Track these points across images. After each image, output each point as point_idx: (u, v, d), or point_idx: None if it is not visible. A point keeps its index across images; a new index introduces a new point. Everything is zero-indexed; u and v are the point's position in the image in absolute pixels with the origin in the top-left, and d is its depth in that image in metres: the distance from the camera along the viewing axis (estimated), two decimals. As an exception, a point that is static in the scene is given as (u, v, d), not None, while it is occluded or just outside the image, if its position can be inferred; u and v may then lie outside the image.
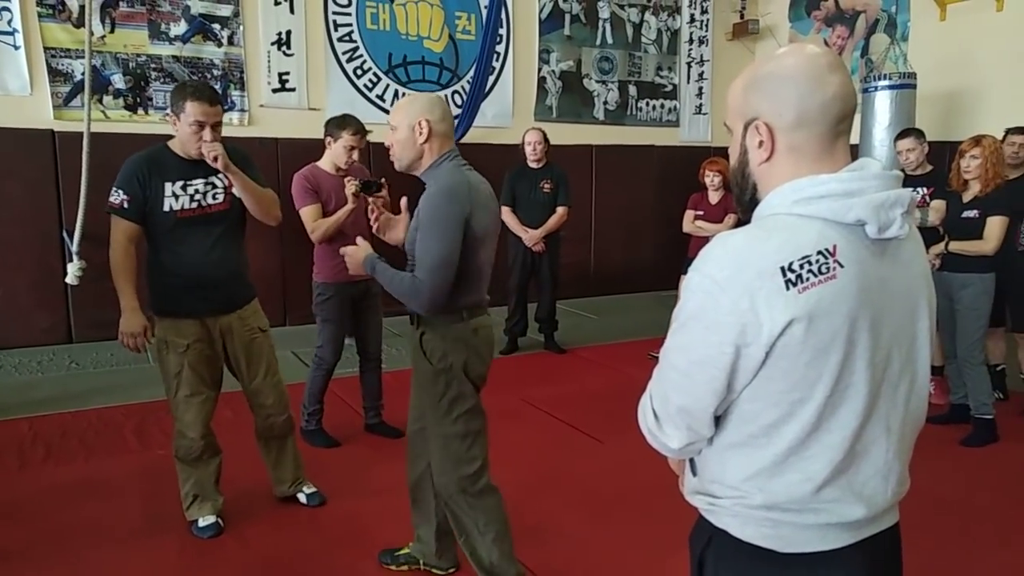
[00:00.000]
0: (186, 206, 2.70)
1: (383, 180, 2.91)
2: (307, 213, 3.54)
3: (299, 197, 3.54)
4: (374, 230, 2.47)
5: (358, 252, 2.31)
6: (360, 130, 3.59)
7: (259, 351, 2.91)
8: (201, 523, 2.83)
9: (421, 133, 2.16)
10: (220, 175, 2.75)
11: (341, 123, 3.58)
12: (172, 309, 2.75)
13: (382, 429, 3.89)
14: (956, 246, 3.75)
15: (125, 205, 2.66)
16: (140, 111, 5.96)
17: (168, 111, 2.72)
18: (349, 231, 3.44)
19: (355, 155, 3.61)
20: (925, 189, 4.14)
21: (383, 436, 3.84)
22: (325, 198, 3.56)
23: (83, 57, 5.41)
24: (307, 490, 3.08)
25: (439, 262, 2.09)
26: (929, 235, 3.81)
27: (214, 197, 2.75)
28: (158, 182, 2.67)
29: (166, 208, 2.67)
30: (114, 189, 2.68)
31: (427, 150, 2.19)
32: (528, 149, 5.28)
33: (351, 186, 3.37)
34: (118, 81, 5.87)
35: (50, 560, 2.64)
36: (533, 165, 5.33)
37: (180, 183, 2.69)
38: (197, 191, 2.72)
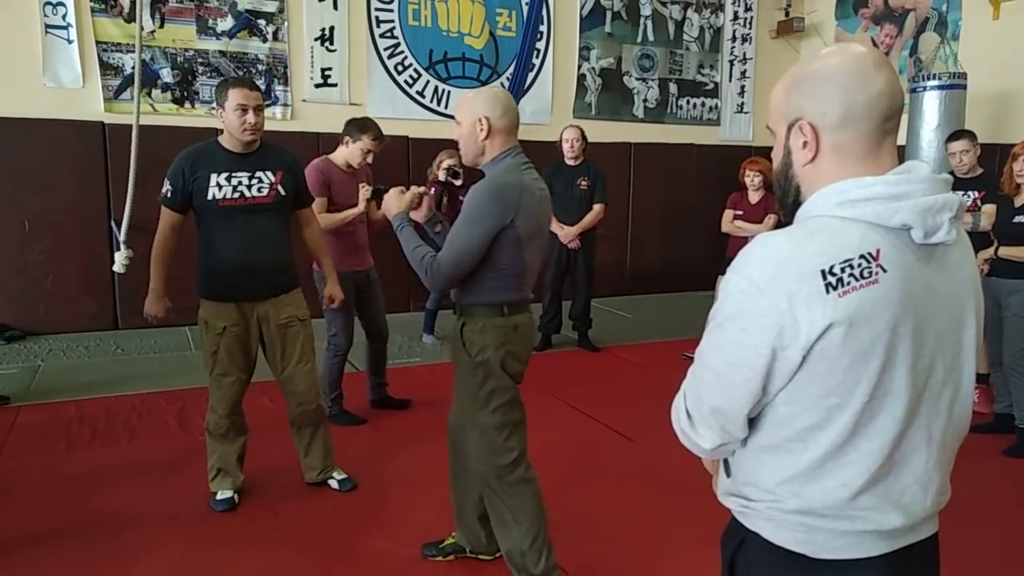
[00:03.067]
0: (228, 196, 2.83)
1: (387, 187, 3.04)
2: (314, 205, 3.58)
3: (311, 188, 3.60)
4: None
5: (397, 202, 2.32)
6: (379, 136, 3.77)
7: (294, 339, 3.00)
8: (219, 496, 2.98)
9: (482, 129, 2.18)
10: (267, 171, 2.89)
11: (363, 127, 3.74)
12: (212, 292, 2.90)
13: (389, 402, 4.12)
14: (1006, 251, 3.66)
15: (168, 195, 2.85)
16: (187, 104, 6.10)
17: (213, 106, 2.87)
18: (354, 225, 3.79)
19: (369, 158, 3.78)
20: (976, 193, 4.04)
21: (391, 409, 4.08)
22: (334, 192, 3.71)
23: (133, 51, 5.57)
24: (338, 476, 3.16)
25: (461, 253, 2.14)
26: (979, 240, 3.71)
27: (259, 190, 2.87)
28: (204, 173, 2.81)
29: (210, 197, 2.81)
30: (165, 181, 2.86)
31: (488, 146, 2.22)
32: (566, 146, 5.28)
33: (365, 192, 3.65)
34: (166, 75, 6.01)
35: (94, 540, 2.72)
36: (570, 162, 5.33)
37: (225, 175, 2.83)
38: (241, 183, 2.84)
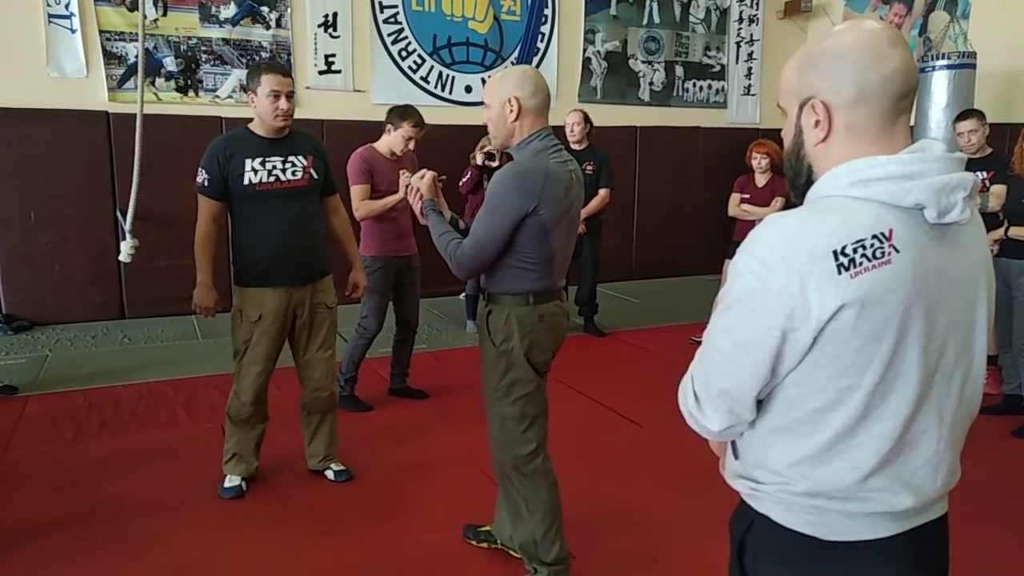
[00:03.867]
0: (264, 180, 2.84)
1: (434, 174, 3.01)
2: (357, 191, 3.73)
3: (354, 175, 3.73)
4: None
5: (427, 187, 2.31)
6: (420, 123, 3.78)
7: (320, 325, 3.03)
8: (227, 483, 3.00)
9: (512, 111, 2.11)
10: (299, 155, 2.92)
11: (403, 113, 3.75)
12: (250, 279, 2.90)
13: (407, 392, 4.13)
14: (1017, 231, 3.63)
15: (206, 184, 2.84)
16: (191, 93, 6.08)
17: (246, 92, 2.89)
18: (398, 211, 3.80)
19: (411, 145, 3.78)
20: (985, 173, 3.99)
21: (409, 398, 4.09)
22: (377, 179, 3.75)
23: (136, 40, 5.55)
24: (335, 467, 3.16)
25: (483, 242, 2.12)
26: (987, 220, 3.65)
27: (293, 174, 2.90)
28: (239, 159, 2.82)
29: (246, 182, 2.82)
30: (199, 170, 2.86)
31: (518, 128, 2.14)
32: (568, 130, 5.25)
33: (405, 178, 3.50)
34: (170, 63, 5.99)
35: (102, 528, 2.74)
36: (575, 147, 5.29)
37: (259, 159, 2.85)
38: (275, 167, 2.86)
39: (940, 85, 5.87)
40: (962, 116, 4.17)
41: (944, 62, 5.89)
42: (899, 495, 1.05)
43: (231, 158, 2.82)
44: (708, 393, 1.10)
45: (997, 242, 3.69)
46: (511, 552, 2.55)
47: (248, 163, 2.82)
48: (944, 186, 0.98)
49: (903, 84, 1.02)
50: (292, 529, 2.76)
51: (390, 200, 3.71)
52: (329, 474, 3.14)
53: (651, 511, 2.90)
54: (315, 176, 2.96)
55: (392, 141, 3.77)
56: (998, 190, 3.84)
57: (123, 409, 3.95)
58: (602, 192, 5.30)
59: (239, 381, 2.97)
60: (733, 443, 1.18)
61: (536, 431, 2.29)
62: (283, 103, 2.80)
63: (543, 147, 2.15)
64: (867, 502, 1.04)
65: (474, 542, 2.63)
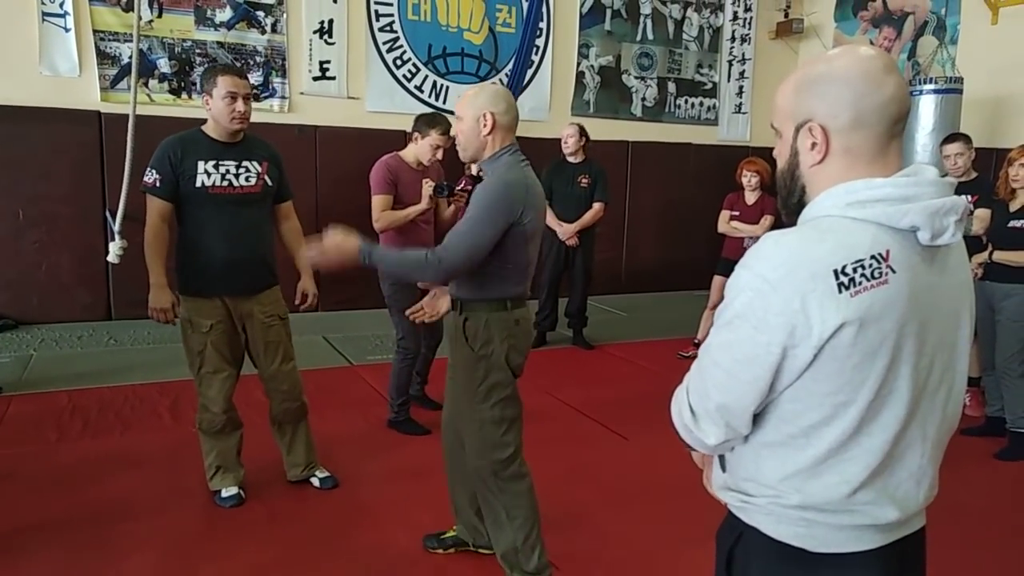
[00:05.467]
0: (217, 183, 2.78)
1: (453, 185, 3.23)
2: (379, 201, 3.61)
3: (377, 184, 3.62)
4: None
5: (345, 243, 2.17)
6: (448, 131, 3.64)
7: (276, 338, 2.97)
8: (224, 493, 2.93)
9: (485, 125, 2.20)
10: (253, 160, 2.85)
11: (431, 121, 3.64)
12: (196, 289, 2.83)
13: (423, 400, 4.03)
14: (1001, 256, 3.67)
15: (157, 184, 2.76)
16: (184, 95, 6.07)
17: (201, 94, 2.82)
18: (418, 220, 3.67)
19: (439, 154, 3.66)
20: (969, 196, 4.04)
21: (422, 407, 3.98)
22: (402, 190, 3.64)
23: (131, 41, 5.54)
24: (320, 474, 3.12)
25: (473, 248, 2.15)
26: (971, 244, 3.71)
27: (247, 180, 2.84)
28: (191, 161, 2.75)
29: (198, 184, 2.76)
30: (148, 169, 2.78)
31: (490, 142, 2.23)
32: (563, 142, 5.30)
33: (428, 188, 3.57)
34: (164, 65, 5.99)
35: (85, 531, 2.71)
36: (571, 160, 5.34)
37: (212, 162, 2.78)
38: (229, 171, 2.80)
39: (927, 109, 5.97)
40: (949, 139, 4.23)
41: (932, 86, 5.98)
42: (885, 508, 1.07)
43: (183, 159, 2.73)
44: (706, 408, 1.11)
45: (981, 265, 3.74)
46: (483, 551, 2.57)
47: (201, 165, 2.74)
48: (938, 209, 1.01)
49: (898, 109, 1.05)
50: (278, 536, 2.75)
51: (413, 211, 3.60)
52: (314, 481, 3.11)
53: (637, 524, 2.90)
54: (269, 183, 2.89)
55: (419, 150, 3.65)
56: (982, 214, 3.90)
57: (108, 411, 3.92)
58: (596, 206, 5.34)
59: (204, 393, 2.89)
60: (721, 456, 1.20)
61: (514, 435, 2.33)
62: (240, 105, 2.72)
63: (515, 161, 2.24)
64: (856, 515, 1.07)
65: (440, 550, 2.62)
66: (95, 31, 5.72)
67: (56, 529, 2.72)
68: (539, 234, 2.30)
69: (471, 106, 2.21)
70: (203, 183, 2.76)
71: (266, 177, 2.88)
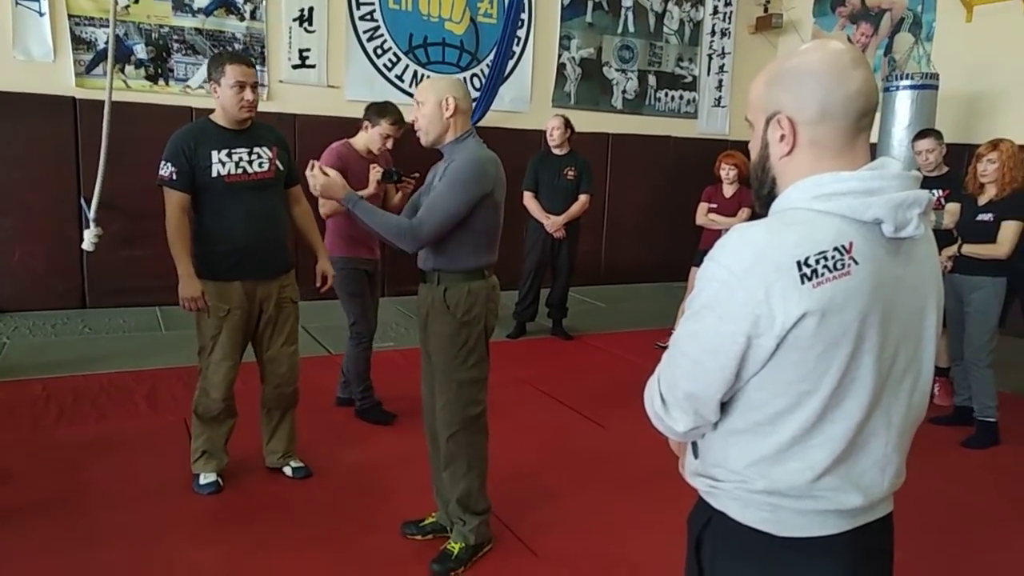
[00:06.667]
0: (232, 172, 2.81)
1: (403, 171, 3.29)
2: None
3: None
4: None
5: (336, 186, 2.40)
6: (399, 120, 3.68)
7: (286, 319, 3.01)
8: (203, 480, 2.94)
9: (448, 108, 2.33)
10: (264, 146, 2.89)
11: (382, 111, 3.65)
12: (217, 274, 2.84)
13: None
14: (969, 249, 3.74)
15: (174, 177, 2.77)
16: (161, 82, 5.99)
17: (208, 82, 2.84)
18: None
19: (389, 143, 3.69)
20: (941, 191, 4.13)
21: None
22: (351, 178, 3.54)
23: (106, 26, 5.47)
24: (294, 464, 3.13)
25: (446, 217, 2.30)
26: (942, 237, 3.79)
27: (260, 165, 2.87)
28: (205, 151, 2.77)
29: (215, 174, 2.78)
30: (163, 163, 2.78)
31: (452, 125, 2.36)
32: (548, 134, 5.33)
33: (375, 173, 3.55)
34: (140, 51, 5.90)
35: (60, 519, 2.70)
36: (556, 152, 5.36)
37: (225, 151, 2.81)
38: (242, 159, 2.83)
39: (903, 104, 6.05)
40: (920, 135, 4.31)
41: (908, 82, 6.06)
42: (849, 494, 1.10)
43: (196, 149, 2.76)
44: (675, 396, 1.14)
45: (951, 259, 3.82)
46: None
47: (215, 155, 2.77)
48: (901, 202, 1.04)
49: (864, 103, 1.08)
50: (255, 525, 2.75)
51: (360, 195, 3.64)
52: (287, 470, 3.11)
53: (612, 509, 2.94)
54: (280, 168, 2.94)
55: (369, 139, 3.68)
56: (952, 208, 3.97)
57: (83, 400, 3.89)
58: (583, 197, 5.37)
59: (207, 378, 2.92)
60: (693, 443, 1.23)
61: (484, 393, 2.51)
62: (248, 94, 2.76)
63: (478, 142, 2.41)
64: (819, 500, 1.09)
65: (419, 536, 2.66)
66: (70, 16, 5.63)
67: (31, 518, 2.70)
68: (502, 206, 2.47)
69: (433, 91, 2.35)
70: (219, 172, 2.78)
71: (277, 161, 2.92)
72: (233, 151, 2.81)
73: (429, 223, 2.29)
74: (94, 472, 3.08)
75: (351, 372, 3.81)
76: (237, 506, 2.88)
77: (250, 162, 2.84)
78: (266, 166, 2.88)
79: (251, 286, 2.88)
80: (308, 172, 2.42)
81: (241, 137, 2.84)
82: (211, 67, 2.82)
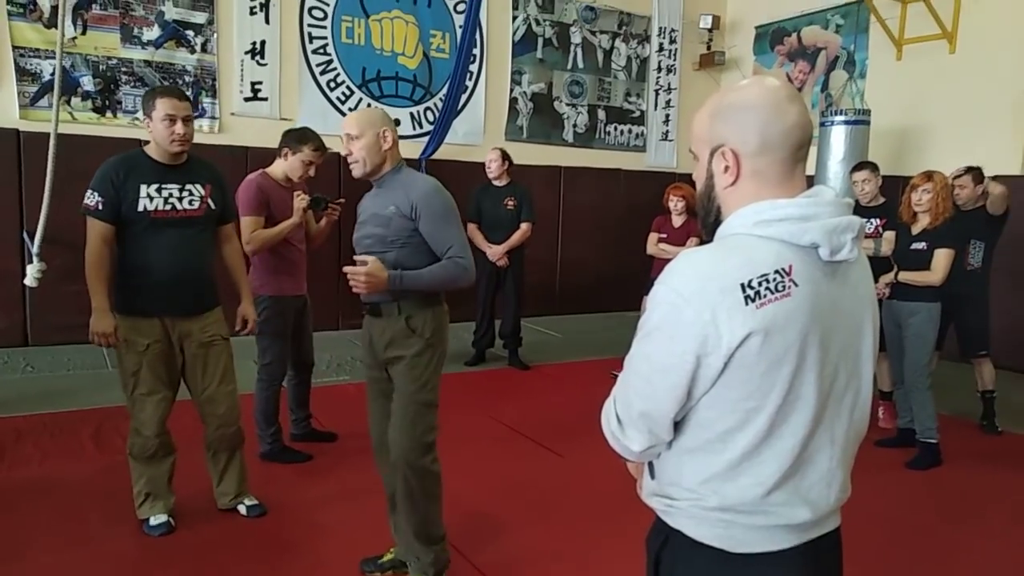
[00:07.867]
0: (160, 207, 2.75)
1: (330, 197, 3.36)
2: (249, 223, 3.41)
3: (246, 205, 3.41)
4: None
5: (380, 273, 2.30)
6: (321, 147, 3.58)
7: (216, 358, 2.92)
8: (153, 522, 2.85)
9: (386, 141, 2.40)
10: (197, 183, 2.83)
11: (302, 137, 3.53)
12: (135, 308, 2.78)
13: (314, 435, 3.91)
14: (905, 276, 3.89)
15: (100, 207, 2.71)
16: (108, 114, 5.91)
17: (141, 116, 2.81)
18: (292, 239, 3.56)
19: (312, 171, 3.56)
20: (878, 220, 4.31)
21: (317, 442, 3.86)
22: (274, 209, 3.47)
23: (52, 57, 5.36)
24: (248, 502, 3.06)
25: (465, 241, 2.43)
26: (881, 264, 3.95)
27: (190, 203, 2.82)
28: (134, 183, 2.72)
29: (141, 208, 2.72)
30: (89, 191, 2.72)
31: (390, 155, 2.42)
32: (486, 166, 5.45)
33: (301, 201, 3.49)
34: (87, 83, 5.82)
35: (2, 565, 2.59)
36: (496, 183, 5.47)
37: (155, 185, 2.75)
38: (172, 195, 2.78)
39: (838, 139, 6.33)
40: (857, 167, 4.52)
41: (842, 118, 6.35)
42: (797, 509, 1.15)
43: (126, 181, 2.69)
44: (630, 415, 1.18)
45: (888, 285, 3.97)
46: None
47: (143, 188, 2.71)
48: (835, 227, 1.11)
49: (800, 135, 1.15)
50: (209, 565, 2.68)
51: (285, 226, 3.44)
52: (242, 509, 3.04)
53: (570, 535, 2.95)
54: (212, 207, 2.87)
55: (290, 167, 3.51)
56: (889, 236, 4.14)
57: (25, 440, 3.75)
58: (524, 226, 5.47)
59: (136, 416, 2.82)
60: (650, 464, 1.26)
61: (437, 418, 2.49)
62: (179, 127, 2.71)
63: (412, 171, 2.49)
64: (770, 515, 1.14)
65: (378, 573, 2.62)
66: (15, 47, 5.53)
67: (-31, 564, 2.59)
68: None
69: (370, 124, 2.38)
70: (145, 207, 2.72)
71: (209, 200, 2.86)
72: (164, 186, 2.75)
73: (462, 249, 2.39)
74: (38, 514, 2.97)
75: (258, 414, 3.61)
76: (191, 545, 2.79)
77: (180, 199, 2.78)
78: (196, 204, 2.82)
79: (170, 322, 2.81)
80: (347, 271, 2.32)
81: (174, 172, 2.79)
82: (144, 100, 2.77)
